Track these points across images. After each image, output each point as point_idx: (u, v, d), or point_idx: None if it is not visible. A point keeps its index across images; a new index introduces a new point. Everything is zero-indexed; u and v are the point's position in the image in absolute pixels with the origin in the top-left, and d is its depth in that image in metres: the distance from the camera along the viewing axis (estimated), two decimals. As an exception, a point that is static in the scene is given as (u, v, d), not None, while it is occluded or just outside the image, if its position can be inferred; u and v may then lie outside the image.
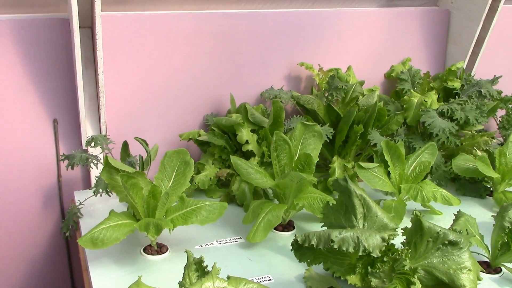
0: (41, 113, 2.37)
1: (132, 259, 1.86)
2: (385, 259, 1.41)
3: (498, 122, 2.91)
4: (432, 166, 2.44)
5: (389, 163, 2.16)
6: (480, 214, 2.28)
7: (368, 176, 2.12)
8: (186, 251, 1.49)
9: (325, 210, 1.78)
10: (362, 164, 2.11)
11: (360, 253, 1.41)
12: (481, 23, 2.82)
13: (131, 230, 1.76)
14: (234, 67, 2.61)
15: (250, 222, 2.01)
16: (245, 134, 2.31)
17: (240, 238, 2.03)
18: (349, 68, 2.83)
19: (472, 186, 2.47)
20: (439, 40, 3.04)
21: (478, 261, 1.83)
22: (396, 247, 1.53)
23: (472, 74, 2.99)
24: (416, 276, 1.44)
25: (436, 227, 1.53)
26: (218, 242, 2.00)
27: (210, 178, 2.32)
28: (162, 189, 1.87)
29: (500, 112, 3.14)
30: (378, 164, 2.15)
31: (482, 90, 2.58)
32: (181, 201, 1.88)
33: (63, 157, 2.22)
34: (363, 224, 1.67)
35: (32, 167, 2.41)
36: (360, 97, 2.70)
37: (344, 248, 1.42)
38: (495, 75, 2.65)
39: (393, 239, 1.63)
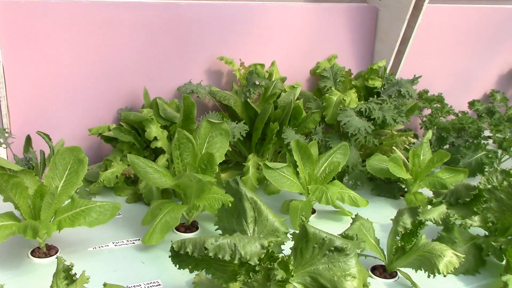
0: None
1: (17, 262, 1.75)
2: (257, 268, 1.35)
3: (421, 122, 2.92)
4: (348, 166, 2.42)
5: (298, 163, 2.12)
6: (391, 215, 2.25)
7: (275, 176, 2.07)
8: (57, 258, 1.40)
9: (220, 212, 1.72)
10: (268, 164, 2.06)
11: (236, 261, 1.35)
12: (406, 21, 2.81)
13: (12, 232, 1.65)
14: (150, 59, 2.51)
15: (148, 223, 1.93)
16: (154, 130, 2.22)
17: (139, 239, 1.95)
18: (273, 63, 2.78)
19: (387, 187, 2.46)
20: (366, 37, 3.02)
21: (375, 265, 1.82)
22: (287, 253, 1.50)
23: (398, 73, 2.98)
24: (294, 285, 1.40)
25: (322, 233, 1.49)
26: (114, 243, 1.91)
27: (117, 175, 2.22)
28: (57, 187, 1.77)
29: (427, 112, 3.15)
30: (285, 164, 2.11)
31: (401, 90, 2.56)
32: (71, 201, 1.79)
33: (-42, 151, 2.08)
34: (254, 228, 1.61)
35: None
36: (283, 94, 2.65)
37: (220, 256, 1.36)
38: (414, 75, 2.64)
39: (283, 244, 1.60)
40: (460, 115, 3.06)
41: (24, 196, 1.71)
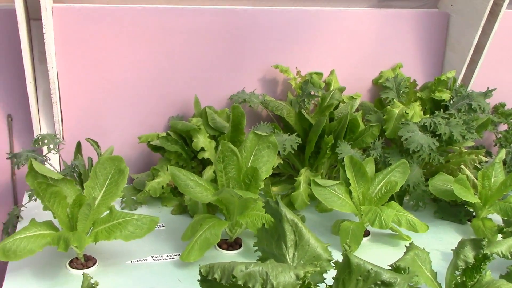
0: (-6, 108, 2.27)
1: (54, 273, 1.72)
2: (288, 303, 1.22)
3: (496, 139, 2.66)
4: (409, 185, 2.23)
5: (350, 181, 1.96)
6: (455, 243, 2.04)
7: (325, 195, 1.92)
8: (83, 274, 1.34)
9: (259, 233, 1.60)
10: (318, 180, 1.92)
11: (268, 292, 1.23)
12: (481, 28, 2.57)
13: (49, 242, 1.62)
14: (203, 67, 2.45)
15: (188, 238, 1.85)
16: (201, 140, 2.14)
17: (179, 254, 1.87)
18: (331, 72, 2.63)
19: (452, 210, 2.24)
20: (436, 46, 2.80)
21: (431, 302, 1.63)
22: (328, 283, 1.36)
23: (470, 85, 2.74)
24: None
25: (367, 265, 1.33)
26: (153, 258, 1.85)
27: (163, 186, 2.16)
28: (95, 197, 1.73)
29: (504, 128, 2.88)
30: (337, 182, 1.96)
31: (472, 103, 2.33)
32: (109, 213, 1.74)
33: (9, 156, 2.10)
34: (294, 253, 1.48)
35: (-16, 163, 2.31)
36: (341, 105, 2.50)
37: (250, 285, 1.24)
38: (488, 88, 2.40)
39: (326, 272, 1.46)
40: (541, 132, 2.76)
41: (63, 206, 1.68)
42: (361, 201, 1.97)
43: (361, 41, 2.67)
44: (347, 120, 2.21)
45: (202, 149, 2.14)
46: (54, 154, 2.13)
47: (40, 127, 2.27)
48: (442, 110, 2.37)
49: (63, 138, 2.32)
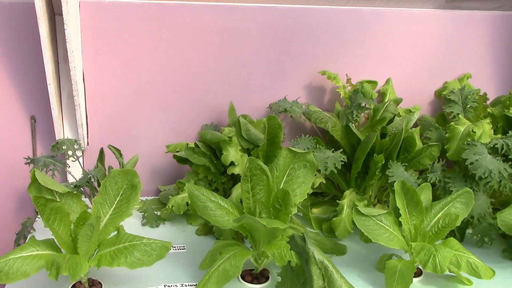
0: (17, 109, 2.13)
1: (53, 298, 1.53)
2: None
3: None
4: (473, 216, 1.89)
5: (401, 211, 1.66)
6: (527, 291, 1.70)
7: (369, 226, 1.63)
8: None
9: (283, 272, 1.34)
10: (361, 208, 1.63)
11: None
12: None
13: (44, 265, 1.43)
14: (242, 70, 2.21)
15: (206, 267, 1.61)
16: (231, 153, 1.90)
17: (195, 285, 1.63)
18: (387, 81, 2.32)
19: (526, 249, 1.88)
20: (512, 54, 2.43)
21: None
22: None
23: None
24: None
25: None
26: (166, 287, 1.62)
27: (187, 202, 1.94)
28: (100, 216, 1.53)
29: None
30: (384, 211, 1.65)
31: (555, 123, 1.96)
32: (117, 234, 1.53)
33: (28, 160, 1.95)
34: (321, 303, 1.21)
35: (6, 166, 2.18)
36: (397, 118, 2.19)
37: None
38: None
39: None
40: None
41: (65, 224, 1.49)
42: (413, 235, 1.66)
43: (424, 46, 2.35)
44: (401, 137, 1.90)
45: (232, 163, 1.90)
46: (73, 161, 1.96)
47: (64, 131, 2.11)
48: (517, 129, 2.01)
49: (87, 144, 2.15)
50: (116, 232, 1.54)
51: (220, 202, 1.59)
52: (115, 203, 1.56)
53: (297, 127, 2.28)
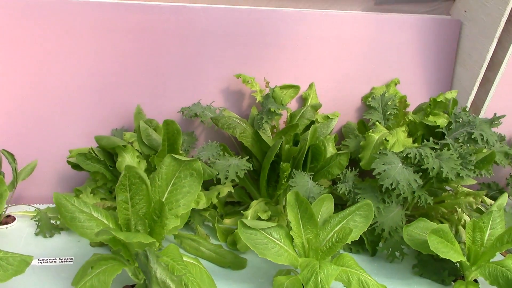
0: None
1: None
2: None
3: (508, 177, 2.16)
4: (384, 229, 1.79)
5: (292, 224, 1.55)
6: (430, 311, 1.60)
7: (256, 239, 1.52)
8: None
9: (137, 291, 1.23)
10: (246, 221, 1.52)
11: None
12: (495, 40, 2.09)
13: None
14: (155, 73, 2.10)
15: (76, 284, 1.48)
16: (127, 160, 1.79)
17: (67, 303, 1.52)
18: (310, 86, 2.22)
19: (436, 266, 1.77)
20: (444, 60, 2.33)
21: None
22: None
23: (484, 108, 2.26)
24: None
25: None
26: (35, 304, 1.50)
27: (82, 211, 1.82)
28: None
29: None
30: (274, 224, 1.54)
31: (473, 132, 1.86)
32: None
33: None
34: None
35: None
36: (318, 125, 2.09)
37: None
38: (495, 114, 1.91)
39: None
40: None
41: None
42: (307, 250, 1.55)
43: (351, 50, 2.24)
44: (306, 145, 1.80)
45: (127, 170, 1.78)
46: (-40, 166, 1.84)
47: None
48: (440, 139, 1.92)
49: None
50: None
51: (93, 213, 1.48)
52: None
53: (213, 134, 2.17)
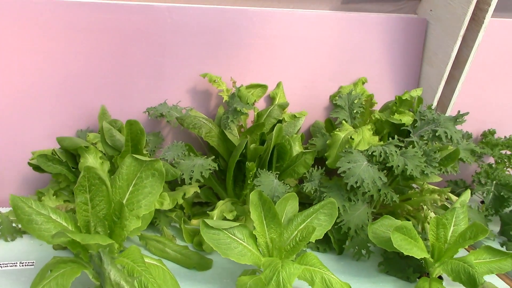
0: None
1: None
2: None
3: (474, 174, 2.18)
4: (350, 228, 1.79)
5: (255, 224, 1.54)
6: (394, 309, 1.60)
7: (219, 239, 1.50)
8: None
9: None
10: (209, 221, 1.50)
11: None
12: (460, 38, 2.11)
13: None
14: (119, 73, 2.07)
15: (35, 287, 1.45)
16: (89, 161, 1.76)
17: (26, 307, 1.48)
18: (278, 85, 2.21)
19: (401, 263, 1.78)
20: (411, 58, 2.34)
21: None
22: None
23: (450, 106, 2.28)
24: None
25: None
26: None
27: (44, 213, 1.78)
28: None
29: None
30: (237, 224, 1.53)
31: (437, 130, 1.87)
32: None
33: None
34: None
35: None
36: (285, 124, 2.08)
37: None
38: (459, 111, 1.93)
39: None
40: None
41: None
42: (271, 250, 1.54)
43: (318, 49, 2.25)
44: (271, 144, 1.79)
45: (90, 172, 1.75)
46: None
47: None
48: (406, 137, 1.92)
49: None
50: None
51: (51, 215, 1.45)
52: None
53: (180, 134, 2.15)
